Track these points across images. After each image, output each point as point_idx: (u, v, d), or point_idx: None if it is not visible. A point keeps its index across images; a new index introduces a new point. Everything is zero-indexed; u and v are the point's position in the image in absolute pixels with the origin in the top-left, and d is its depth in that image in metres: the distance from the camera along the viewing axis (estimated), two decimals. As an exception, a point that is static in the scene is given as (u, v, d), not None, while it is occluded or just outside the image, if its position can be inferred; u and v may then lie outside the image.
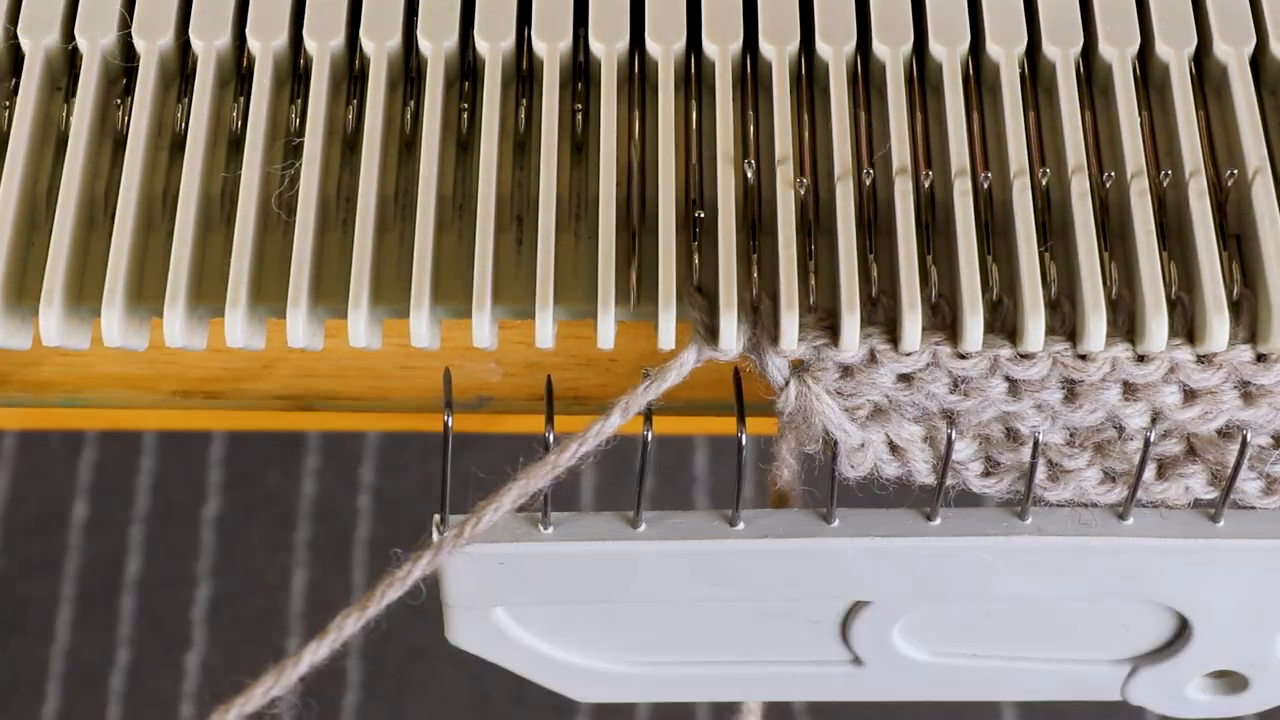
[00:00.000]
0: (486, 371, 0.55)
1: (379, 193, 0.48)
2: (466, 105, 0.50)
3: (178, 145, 0.49)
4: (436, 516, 0.50)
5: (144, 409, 0.56)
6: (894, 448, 0.49)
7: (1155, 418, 0.48)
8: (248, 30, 0.50)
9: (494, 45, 0.50)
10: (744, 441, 0.47)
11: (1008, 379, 0.47)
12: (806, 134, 0.50)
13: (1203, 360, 0.47)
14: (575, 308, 0.47)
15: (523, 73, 0.51)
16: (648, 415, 0.47)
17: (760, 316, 0.47)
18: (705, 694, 0.57)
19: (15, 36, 0.50)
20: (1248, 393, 0.48)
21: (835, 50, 0.50)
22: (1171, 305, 0.47)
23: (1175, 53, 0.50)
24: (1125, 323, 0.47)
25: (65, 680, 1.16)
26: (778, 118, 0.49)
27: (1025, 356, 0.47)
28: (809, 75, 0.51)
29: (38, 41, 0.50)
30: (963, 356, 0.47)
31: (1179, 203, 0.48)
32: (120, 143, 0.49)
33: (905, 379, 0.47)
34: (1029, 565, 0.51)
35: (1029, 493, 0.49)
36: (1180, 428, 0.48)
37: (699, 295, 0.47)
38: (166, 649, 1.17)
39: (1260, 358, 0.47)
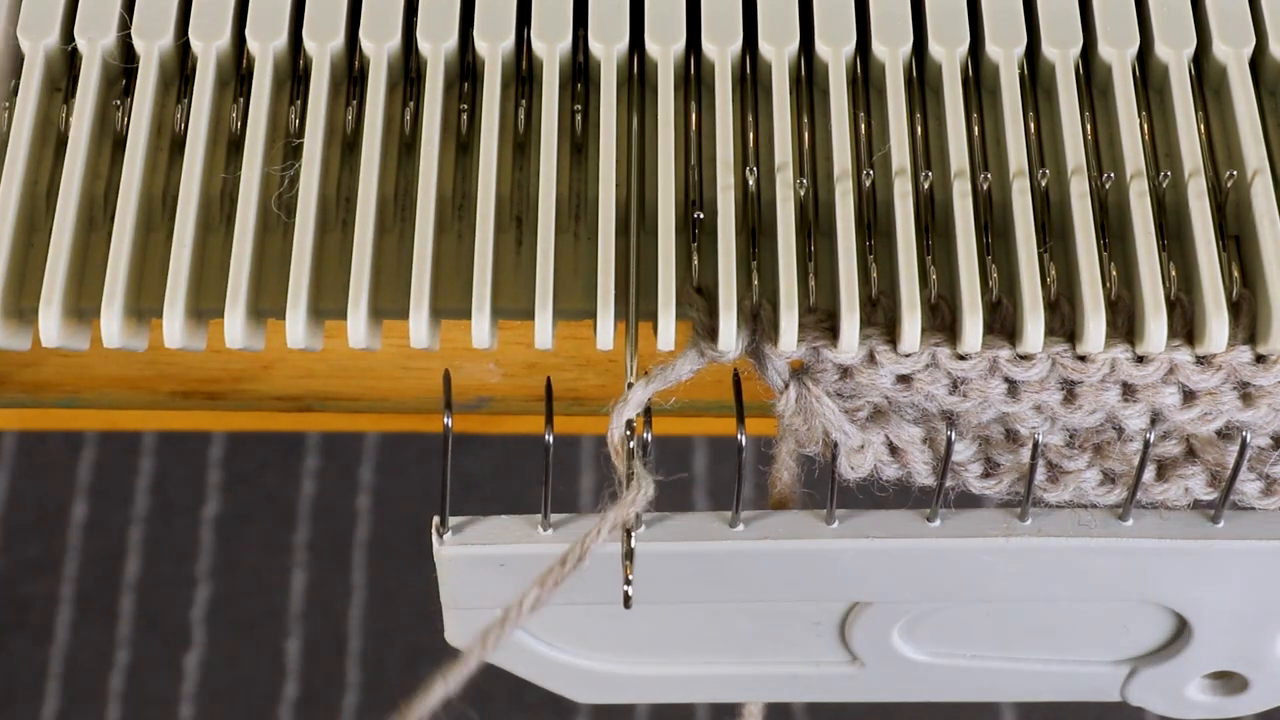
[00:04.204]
0: (486, 372, 0.55)
1: (379, 193, 0.48)
2: (466, 106, 0.50)
3: (177, 146, 0.49)
4: (436, 518, 0.50)
5: (143, 409, 0.56)
6: (894, 449, 0.49)
7: (1155, 419, 0.48)
8: (247, 31, 0.50)
9: (493, 46, 0.50)
10: (744, 443, 0.47)
11: (1007, 380, 0.47)
12: (806, 135, 0.50)
13: (1202, 361, 0.47)
14: (574, 308, 0.47)
15: (522, 73, 0.51)
16: (647, 416, 0.47)
17: (760, 317, 0.47)
18: (705, 695, 0.57)
19: (15, 37, 0.50)
20: (1247, 394, 0.48)
21: (835, 51, 0.50)
22: (1171, 306, 0.47)
23: (1175, 54, 0.50)
24: (1125, 324, 0.47)
25: (65, 680, 1.16)
26: (777, 119, 0.49)
27: (1024, 357, 0.47)
28: (809, 76, 0.51)
29: (37, 42, 0.49)
30: (962, 358, 0.47)
31: (1178, 204, 0.48)
32: (120, 143, 0.49)
33: (904, 380, 0.47)
34: (1028, 566, 0.51)
35: (1029, 494, 0.49)
36: (1180, 429, 0.48)
37: (699, 296, 0.47)
38: (166, 649, 1.17)
39: (1259, 359, 0.47)
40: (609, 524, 0.47)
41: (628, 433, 0.47)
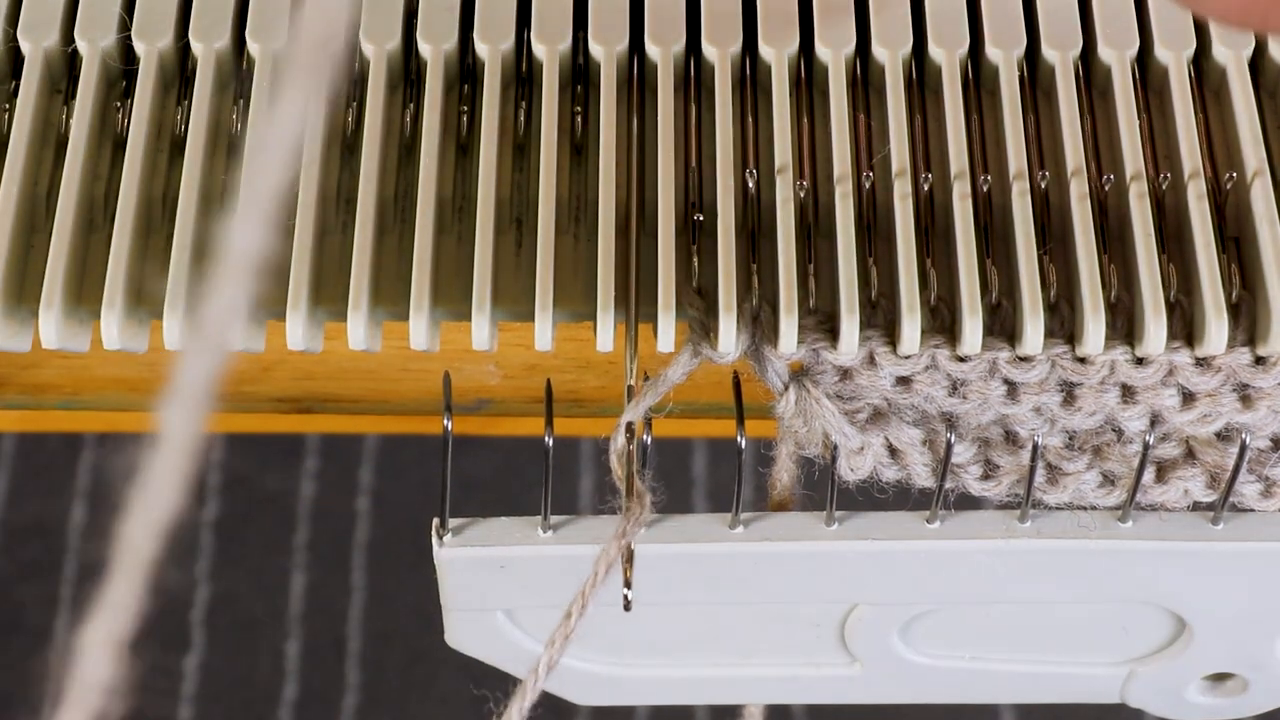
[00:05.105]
0: (486, 374, 0.55)
1: (379, 195, 0.48)
2: (466, 108, 0.50)
3: (178, 148, 0.49)
4: (436, 520, 0.50)
5: (143, 411, 0.56)
6: (893, 451, 0.49)
7: (1154, 421, 0.48)
8: (247, 33, 0.50)
9: (493, 47, 0.50)
10: (743, 445, 0.47)
11: (1006, 382, 0.47)
12: (806, 137, 0.50)
13: (1201, 363, 0.47)
14: (574, 310, 0.47)
15: (522, 75, 0.51)
16: (646, 420, 0.47)
17: (759, 320, 0.47)
18: (704, 697, 0.57)
19: (15, 39, 0.50)
20: (1246, 395, 0.48)
21: (835, 53, 0.50)
22: (1170, 308, 0.47)
23: (1174, 55, 0.50)
24: (1124, 325, 0.47)
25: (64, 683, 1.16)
26: (777, 121, 0.49)
27: (1024, 359, 0.47)
28: (808, 78, 0.51)
29: (37, 44, 0.50)
30: (962, 359, 0.47)
31: (1178, 205, 0.48)
32: (120, 145, 0.49)
33: (904, 382, 0.47)
34: (1028, 568, 0.51)
35: (1028, 496, 0.49)
36: (1179, 431, 0.48)
37: (698, 298, 0.47)
38: (165, 651, 1.17)
39: (1259, 360, 0.47)
40: (606, 564, 0.47)
41: (627, 436, 0.47)
